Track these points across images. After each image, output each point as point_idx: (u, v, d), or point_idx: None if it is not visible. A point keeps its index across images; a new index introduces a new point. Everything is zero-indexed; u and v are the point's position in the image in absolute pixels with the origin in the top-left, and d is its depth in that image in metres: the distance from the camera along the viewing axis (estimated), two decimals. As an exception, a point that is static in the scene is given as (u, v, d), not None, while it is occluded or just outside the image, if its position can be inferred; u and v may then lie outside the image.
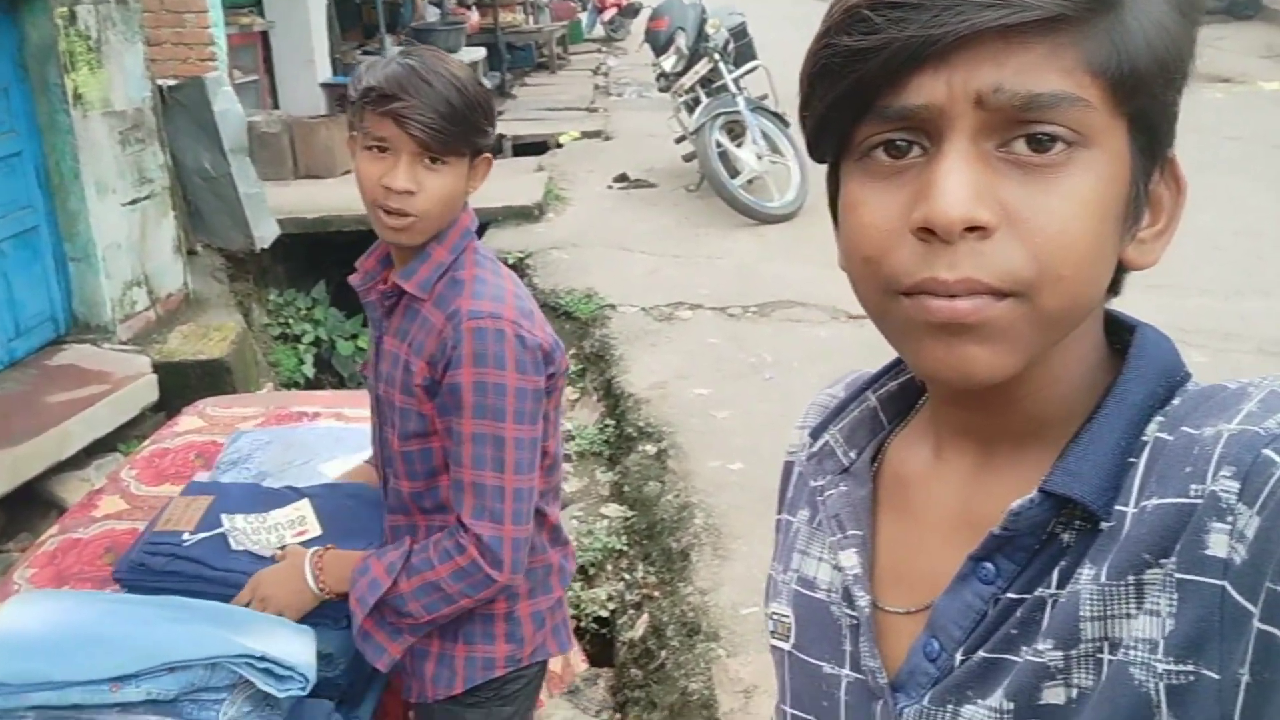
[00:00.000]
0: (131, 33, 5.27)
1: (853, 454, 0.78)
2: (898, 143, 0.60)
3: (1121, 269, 0.66)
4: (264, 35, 9.47)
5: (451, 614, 1.69)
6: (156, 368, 4.90)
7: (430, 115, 1.54)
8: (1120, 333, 0.70)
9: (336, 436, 2.48)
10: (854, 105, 0.61)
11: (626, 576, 3.74)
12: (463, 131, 1.58)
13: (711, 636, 3.10)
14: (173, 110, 5.88)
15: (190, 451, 2.65)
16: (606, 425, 4.62)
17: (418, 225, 1.61)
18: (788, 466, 0.89)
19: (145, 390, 4.80)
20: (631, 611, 3.56)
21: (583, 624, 3.59)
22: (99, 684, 1.55)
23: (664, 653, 3.20)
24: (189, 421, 2.84)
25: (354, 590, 1.70)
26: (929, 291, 0.59)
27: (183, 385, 4.78)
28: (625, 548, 3.86)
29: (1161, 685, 0.55)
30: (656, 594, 3.53)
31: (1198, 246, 6.01)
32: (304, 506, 1.98)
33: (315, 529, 1.93)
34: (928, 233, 0.58)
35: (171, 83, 6.03)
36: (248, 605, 1.76)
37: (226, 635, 1.62)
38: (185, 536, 1.89)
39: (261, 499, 2.01)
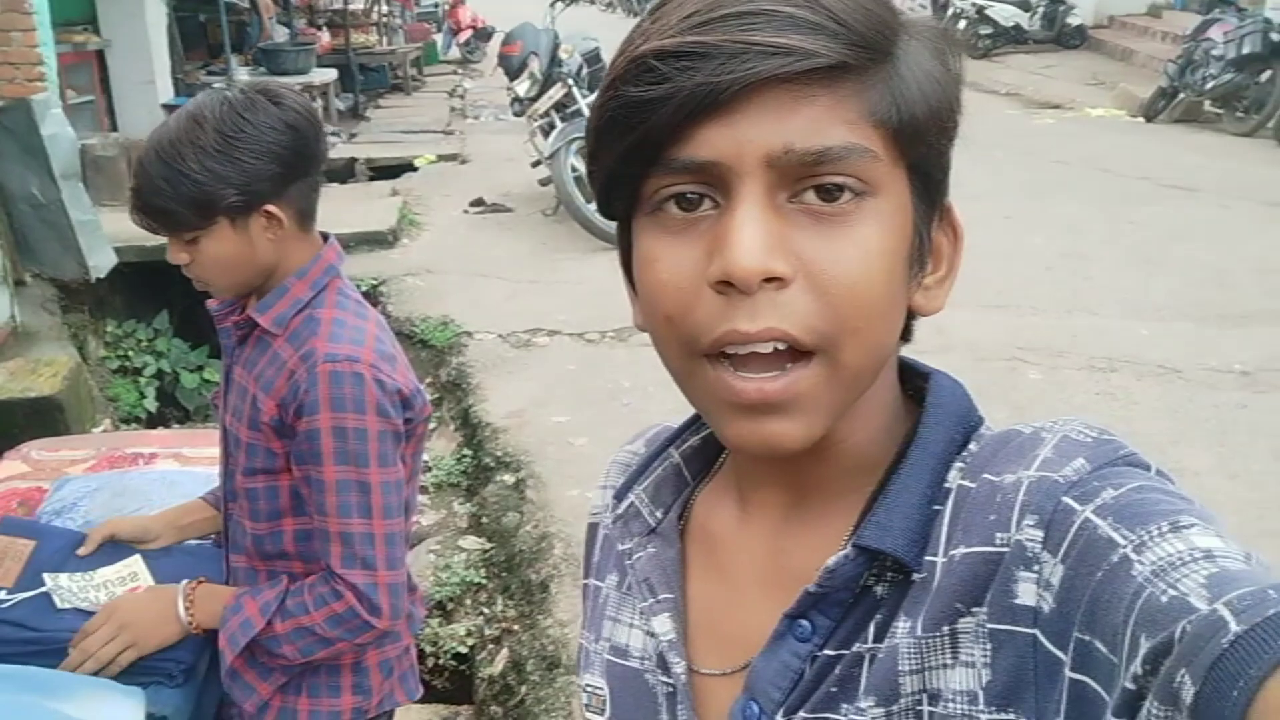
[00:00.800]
0: (-51, 52, 4.97)
1: (659, 513, 0.77)
2: (689, 195, 0.60)
3: (910, 315, 0.67)
4: (100, 54, 9.07)
5: (328, 656, 1.64)
6: (-20, 406, 4.61)
7: (147, 204, 1.53)
8: (913, 379, 0.71)
9: (172, 481, 2.36)
10: (643, 157, 0.60)
11: (485, 611, 3.68)
12: (191, 208, 1.51)
13: (572, 670, 3.08)
14: (-3, 133, 5.56)
15: (12, 499, 2.50)
16: (464, 455, 4.55)
17: (215, 286, 1.62)
18: (592, 529, 0.87)
19: (-33, 431, 4.50)
20: (491, 646, 3.51)
21: (441, 661, 3.52)
22: (-104, 767, 1.44)
23: (524, 688, 3.16)
24: (11, 466, 2.67)
25: (224, 629, 1.62)
26: (732, 343, 0.59)
27: (10, 425, 4.50)
28: (484, 581, 3.80)
29: None
30: (516, 627, 3.48)
31: (1030, 267, 6.32)
32: (135, 563, 1.87)
33: (149, 584, 1.83)
34: (726, 285, 0.58)
35: (-4, 104, 5.70)
36: (99, 634, 1.65)
37: (43, 702, 1.52)
38: (2, 595, 1.77)
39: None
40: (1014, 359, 5.05)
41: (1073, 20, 15.63)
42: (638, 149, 0.60)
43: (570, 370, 5.09)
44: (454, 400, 5.01)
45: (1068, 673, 0.52)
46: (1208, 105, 10.76)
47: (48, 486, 2.42)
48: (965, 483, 0.62)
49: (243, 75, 10.26)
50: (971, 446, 0.65)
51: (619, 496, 0.79)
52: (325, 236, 1.70)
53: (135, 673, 1.68)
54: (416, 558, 3.88)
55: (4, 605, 1.76)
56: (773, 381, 0.59)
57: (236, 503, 1.69)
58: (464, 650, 3.55)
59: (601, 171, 0.64)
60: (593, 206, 6.84)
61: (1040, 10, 15.62)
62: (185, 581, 1.70)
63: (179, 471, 2.45)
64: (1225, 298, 5.84)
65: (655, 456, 0.79)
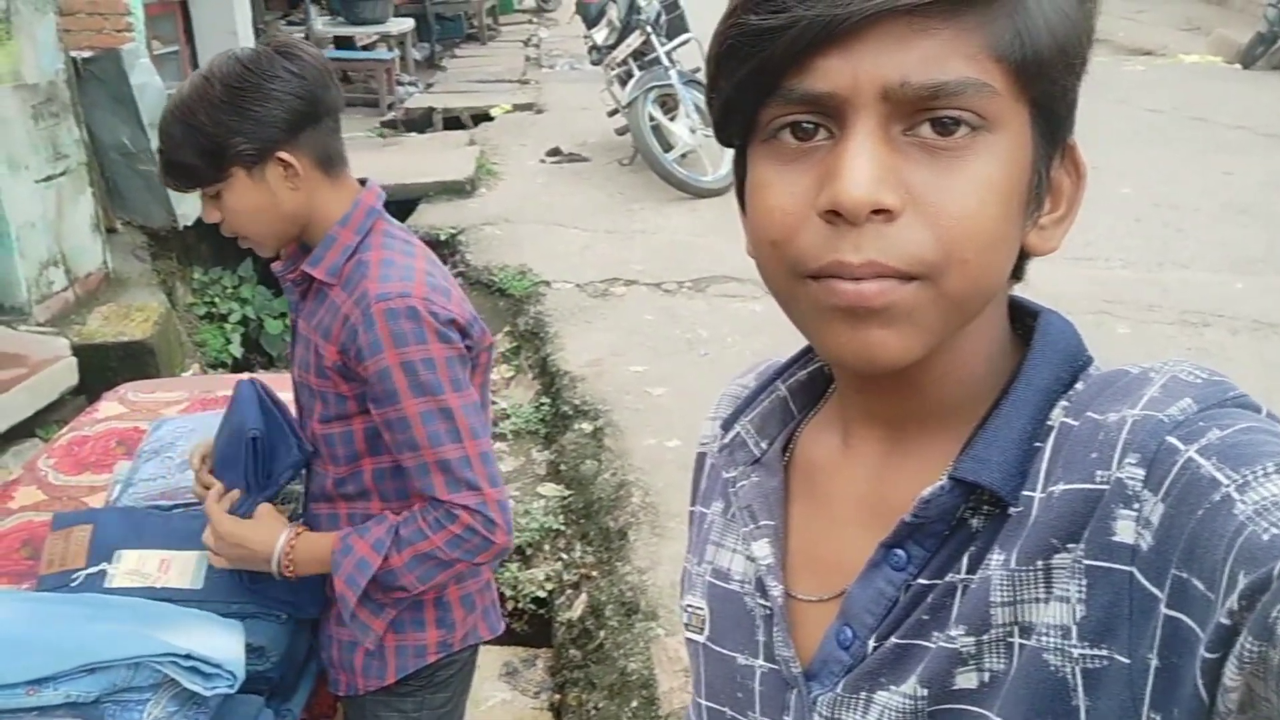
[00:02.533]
0: (43, 2, 5.07)
1: (764, 444, 0.78)
2: (804, 125, 0.60)
3: (1024, 255, 0.67)
4: (184, 5, 9.20)
5: (446, 580, 1.66)
6: (76, 350, 4.75)
7: (163, 162, 1.59)
8: (1024, 318, 0.71)
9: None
10: (760, 86, 0.61)
11: (564, 556, 3.72)
12: (199, 162, 1.57)
13: (650, 616, 3.11)
14: (88, 84, 5.68)
15: (111, 438, 2.58)
16: (542, 404, 4.59)
17: (255, 241, 1.66)
18: (700, 458, 0.89)
19: (64, 373, 4.65)
20: (569, 591, 3.55)
21: (520, 605, 3.58)
22: (14, 688, 1.49)
23: (603, 633, 3.20)
24: (109, 407, 2.76)
25: (339, 573, 1.63)
26: (834, 275, 0.59)
27: (104, 368, 4.65)
28: (562, 527, 3.84)
29: (1078, 669, 0.56)
30: (594, 573, 3.52)
31: (1119, 219, 6.14)
32: (193, 558, 1.85)
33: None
34: (834, 215, 0.58)
35: (86, 55, 5.82)
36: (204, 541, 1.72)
37: (149, 633, 1.57)
38: (75, 575, 1.82)
39: (140, 524, 1.92)
40: (1101, 312, 4.92)
41: (1167, -38, 15.03)
42: (755, 77, 0.60)
43: (648, 320, 5.08)
44: (532, 349, 5.05)
45: (1163, 609, 0.52)
46: (1310, 52, 10.29)
47: (145, 427, 2.49)
48: (1069, 420, 0.62)
49: (320, 24, 10.33)
50: (1078, 385, 0.65)
51: (726, 427, 0.81)
52: (363, 182, 1.73)
53: (243, 610, 1.74)
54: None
55: (75, 584, 1.80)
56: (873, 285, 0.58)
57: (315, 452, 1.73)
58: (543, 595, 3.60)
59: (719, 98, 0.64)
60: (670, 156, 6.80)
61: (1133, -49, 15.05)
62: (287, 533, 1.70)
63: (270, 413, 2.51)
64: (1327, 252, 5.62)
65: (763, 389, 0.80)
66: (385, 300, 1.54)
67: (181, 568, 1.84)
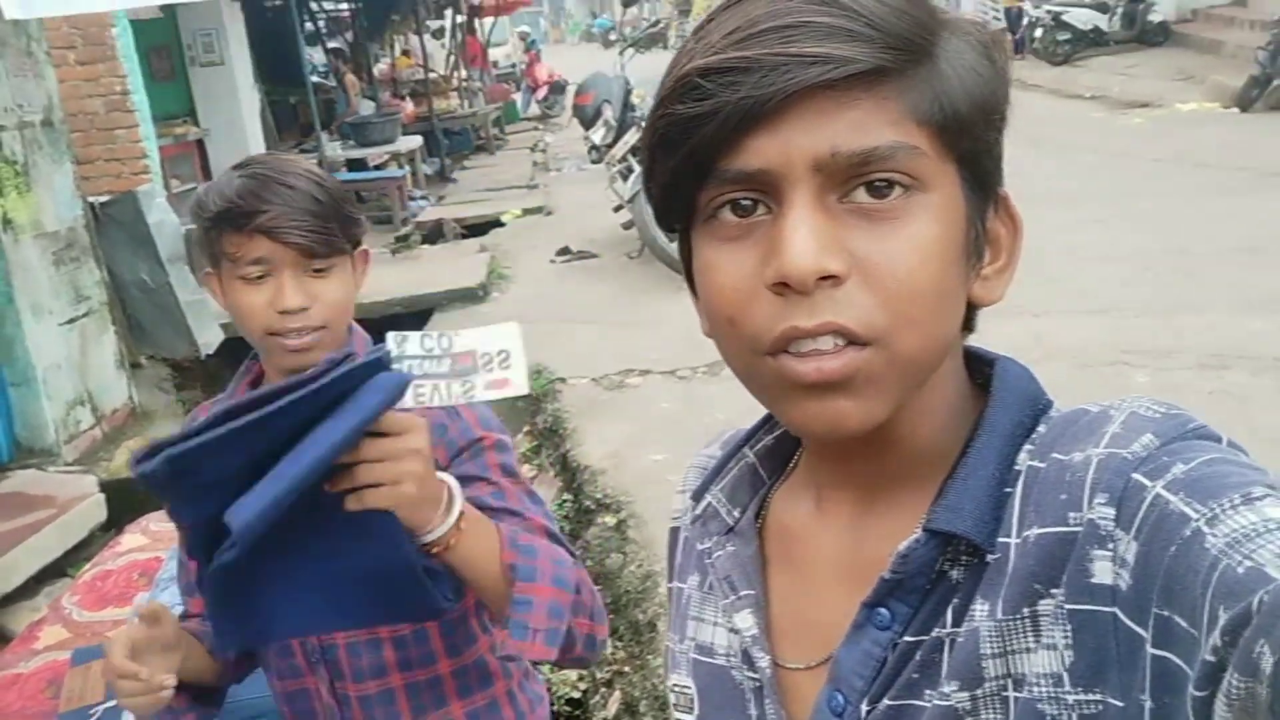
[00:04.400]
0: (59, 154, 5.27)
1: (736, 512, 0.78)
2: (743, 203, 0.62)
3: (973, 307, 0.68)
4: (200, 143, 9.51)
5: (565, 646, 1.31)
6: (104, 486, 4.81)
7: (305, 218, 1.38)
8: (980, 368, 0.72)
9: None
10: (695, 171, 0.62)
11: (595, 653, 3.69)
12: (339, 227, 1.44)
13: (682, 707, 3.06)
14: (106, 226, 5.87)
15: (133, 571, 2.61)
16: (565, 500, 4.59)
17: (324, 340, 1.44)
18: (674, 533, 0.89)
19: (93, 511, 4.71)
20: (603, 690, 3.51)
21: (555, 708, 3.54)
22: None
23: (637, 728, 3.15)
24: (132, 539, 2.80)
25: (540, 575, 1.27)
26: (791, 340, 0.60)
27: (133, 501, 4.69)
28: (592, 623, 3.81)
29: (1074, 715, 0.56)
30: (627, 669, 3.48)
31: (1131, 268, 6.13)
32: None
33: None
34: (783, 287, 0.59)
35: (104, 199, 6.02)
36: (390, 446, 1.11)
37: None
38: (93, 710, 1.83)
39: None
40: (1118, 363, 4.89)
41: (1154, 17, 15.25)
42: (690, 163, 0.62)
43: (664, 408, 5.10)
44: (552, 446, 5.07)
45: (1149, 649, 0.52)
46: (1306, 88, 10.35)
47: (165, 555, 2.53)
48: (1035, 463, 0.63)
49: (332, 150, 10.63)
50: (1040, 428, 0.65)
51: (696, 498, 0.81)
52: None
53: None
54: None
55: (93, 718, 1.80)
56: (831, 360, 0.60)
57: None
58: (577, 695, 3.56)
59: (657, 186, 0.66)
60: (675, 245, 6.89)
61: (1119, 10, 15.29)
62: (453, 482, 1.23)
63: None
64: (1341, 284, 5.58)
65: (730, 457, 0.80)
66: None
67: None
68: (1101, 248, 6.38)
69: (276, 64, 10.79)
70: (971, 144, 0.63)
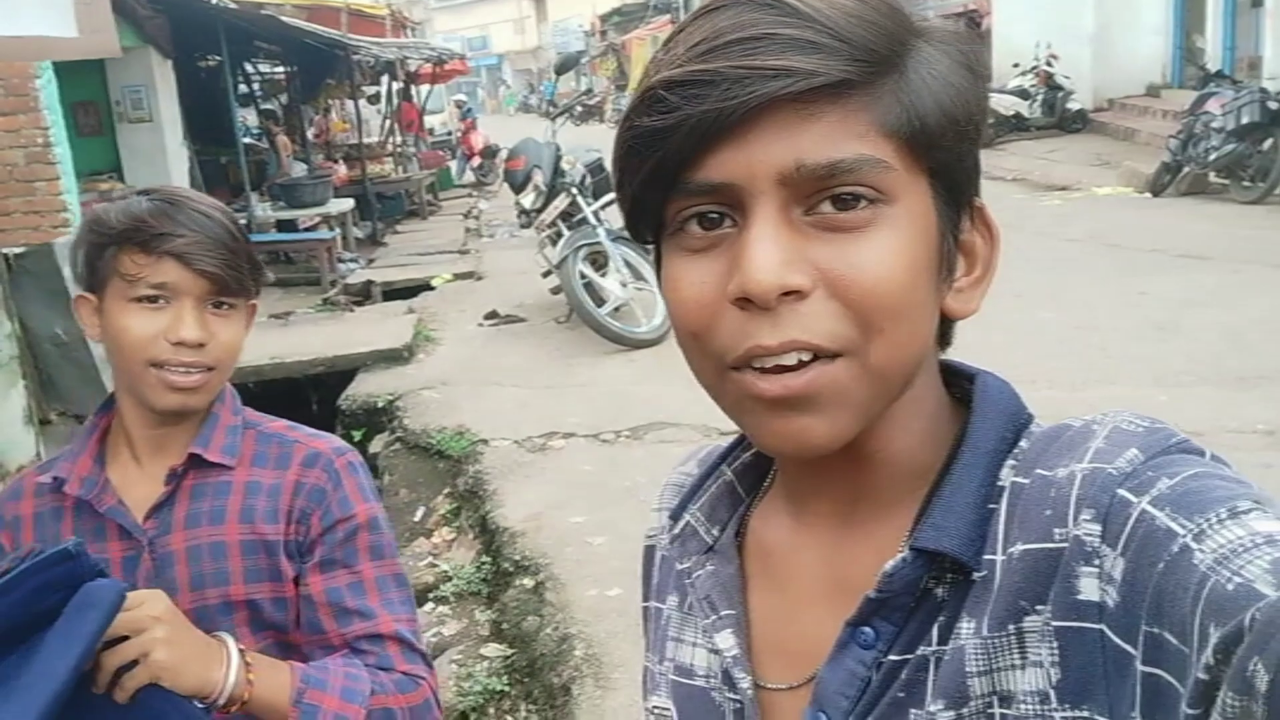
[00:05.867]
0: (-28, 202, 5.17)
1: (715, 531, 0.77)
2: (709, 215, 0.62)
3: (949, 320, 0.68)
4: (123, 199, 9.38)
5: None
6: (4, 544, 4.64)
7: (220, 250, 1.31)
8: (959, 382, 0.71)
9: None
10: (661, 183, 0.62)
11: (509, 719, 3.61)
12: (249, 269, 1.37)
13: (594, 770, 3.01)
14: (20, 277, 5.74)
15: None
16: (483, 562, 4.52)
17: (210, 383, 1.35)
18: (649, 551, 0.87)
19: (-9, 568, 4.53)
20: (515, 755, 3.44)
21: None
22: None
23: (547, 794, 3.08)
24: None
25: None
26: (755, 357, 0.60)
27: (33, 560, 4.53)
28: (506, 688, 3.74)
29: None
30: (539, 733, 3.41)
31: (1043, 342, 6.29)
32: None
33: None
34: (746, 302, 0.59)
35: (19, 250, 5.89)
36: (134, 639, 1.12)
37: None
38: None
39: None
40: (1031, 433, 4.99)
41: (1072, 105, 15.86)
42: (656, 175, 0.62)
43: (586, 471, 5.08)
44: (471, 508, 5.01)
45: (1139, 666, 0.52)
46: (1213, 177, 10.78)
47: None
48: (1019, 479, 0.62)
49: (262, 210, 10.57)
50: (1023, 444, 0.65)
51: (675, 516, 0.79)
52: None
53: None
54: (439, 668, 3.83)
55: None
56: (796, 377, 0.59)
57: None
58: (487, 761, 3.48)
59: (626, 198, 0.66)
60: (603, 310, 6.93)
61: (1040, 98, 15.88)
62: (230, 640, 1.26)
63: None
64: (1243, 360, 5.78)
65: (708, 475, 0.79)
66: (342, 454, 1.43)
67: None
68: (1016, 321, 6.54)
69: (208, 123, 10.73)
70: (943, 155, 0.62)
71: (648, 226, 0.67)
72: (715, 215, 0.62)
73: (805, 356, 0.59)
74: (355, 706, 1.29)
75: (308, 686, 1.28)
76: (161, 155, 9.43)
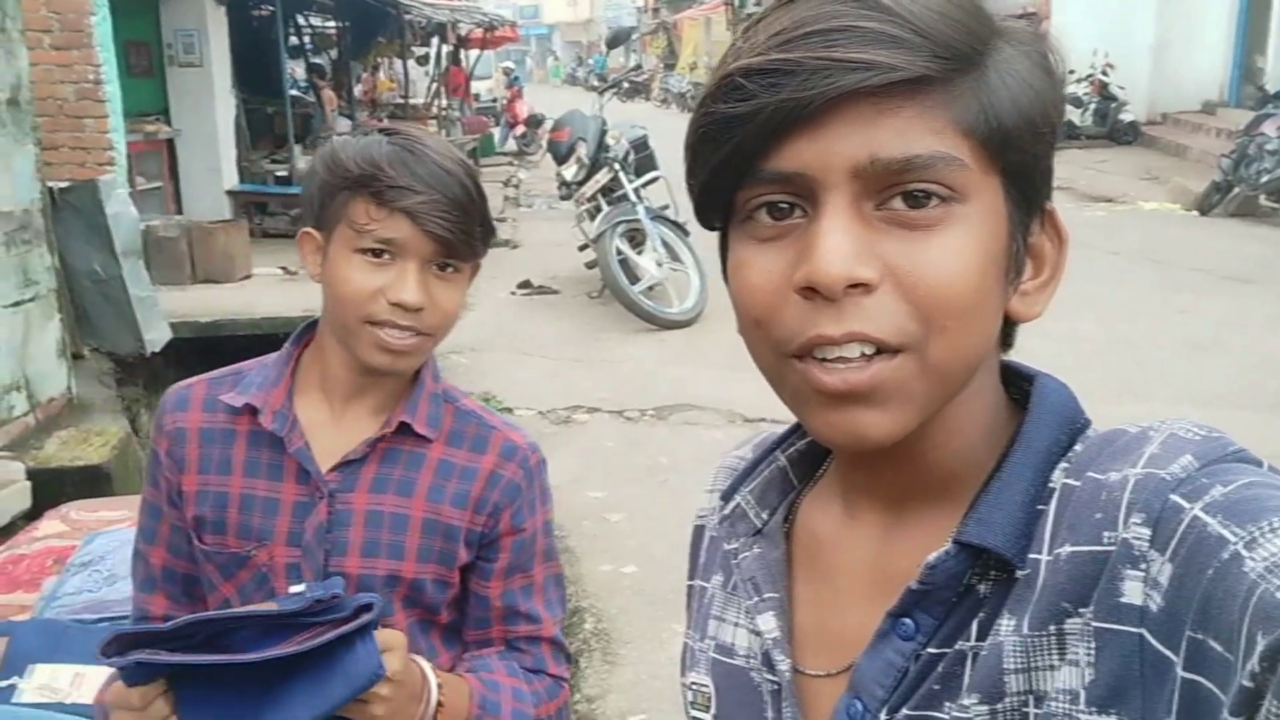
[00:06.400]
0: (22, 134, 5.20)
1: (765, 515, 0.77)
2: (780, 205, 0.62)
3: (1012, 322, 0.67)
4: (170, 143, 9.45)
5: None
6: (31, 474, 4.69)
7: (454, 211, 1.24)
8: (1018, 383, 0.71)
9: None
10: (734, 170, 0.62)
11: (515, 685, 3.63)
12: (481, 231, 1.30)
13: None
14: (63, 212, 5.78)
15: (47, 557, 2.54)
16: (500, 530, 4.55)
17: (424, 346, 1.30)
18: (698, 531, 0.88)
19: (16, 498, 4.58)
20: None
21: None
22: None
23: (548, 763, 3.09)
24: (50, 526, 2.72)
25: None
26: (817, 346, 0.60)
27: (59, 492, 4.56)
28: (514, 656, 3.76)
29: None
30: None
31: (1079, 354, 6.22)
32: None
33: None
34: (811, 292, 0.59)
35: (64, 185, 5.94)
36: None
37: None
38: None
39: (59, 637, 1.87)
40: (1061, 444, 4.95)
41: (1125, 116, 15.65)
42: (729, 162, 0.62)
43: (609, 447, 5.09)
44: (492, 476, 5.03)
45: (1180, 672, 0.52)
46: (1264, 199, 10.63)
47: (79, 542, 2.46)
48: (1070, 481, 0.61)
49: (305, 163, 10.60)
50: (1076, 447, 0.64)
51: (725, 498, 0.79)
52: None
53: None
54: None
55: None
56: (858, 372, 0.59)
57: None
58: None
59: (697, 184, 0.66)
60: (637, 288, 6.92)
61: (1092, 106, 15.68)
62: (425, 664, 1.26)
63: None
64: (1284, 386, 5.71)
65: (762, 459, 0.79)
66: (536, 451, 1.40)
67: (96, 683, 1.79)
68: (1054, 329, 6.48)
69: (256, 73, 10.77)
70: (1017, 157, 0.62)
71: (716, 213, 0.67)
72: (785, 205, 0.62)
73: (868, 350, 0.59)
74: (530, 706, 1.33)
75: (484, 713, 1.29)
76: (209, 100, 9.49)
